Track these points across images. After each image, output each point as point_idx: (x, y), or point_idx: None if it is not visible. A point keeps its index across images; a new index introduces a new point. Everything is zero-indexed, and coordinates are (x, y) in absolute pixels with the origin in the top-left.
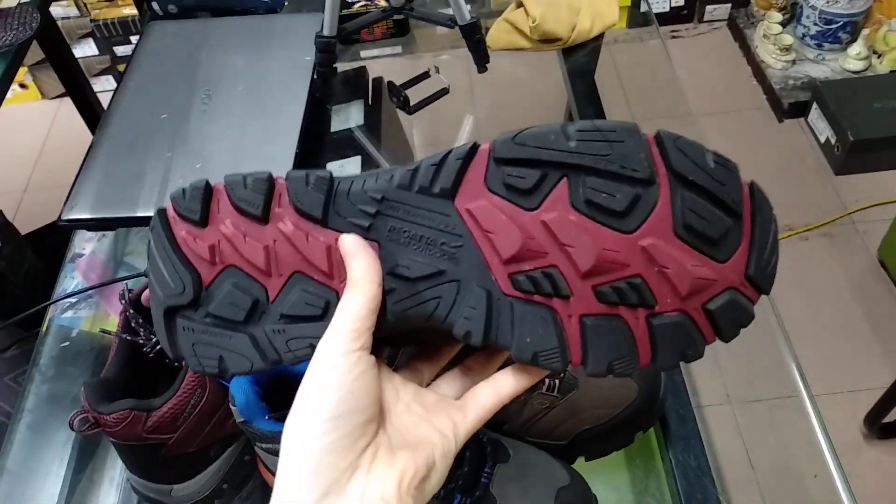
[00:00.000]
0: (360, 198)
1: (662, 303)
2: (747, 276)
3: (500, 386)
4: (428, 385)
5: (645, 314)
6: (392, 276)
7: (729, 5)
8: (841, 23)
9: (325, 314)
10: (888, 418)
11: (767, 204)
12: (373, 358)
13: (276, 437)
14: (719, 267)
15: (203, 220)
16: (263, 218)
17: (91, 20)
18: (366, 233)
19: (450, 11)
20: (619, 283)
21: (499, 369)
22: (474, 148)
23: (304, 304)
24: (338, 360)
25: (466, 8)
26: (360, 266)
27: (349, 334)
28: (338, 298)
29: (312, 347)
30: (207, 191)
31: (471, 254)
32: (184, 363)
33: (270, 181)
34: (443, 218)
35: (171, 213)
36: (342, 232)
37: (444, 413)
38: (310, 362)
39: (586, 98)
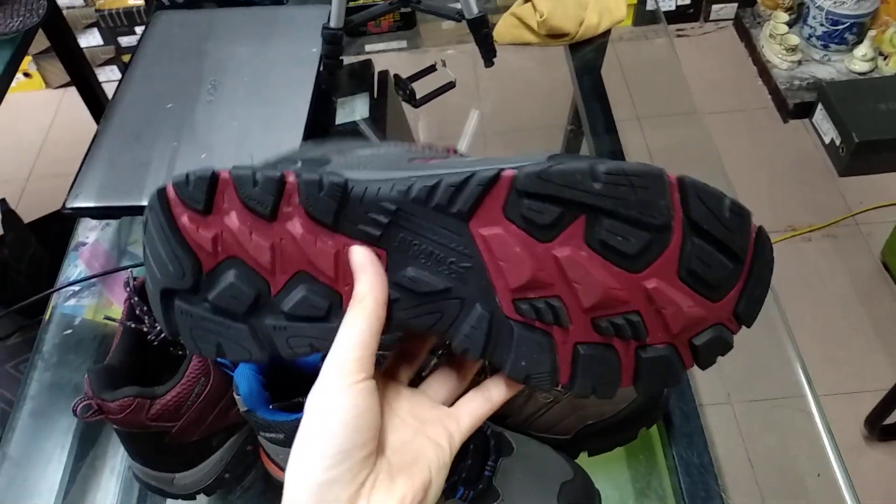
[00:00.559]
0: (374, 206)
1: (653, 337)
2: (735, 313)
3: (492, 394)
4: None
5: (635, 346)
6: (396, 287)
7: (735, 5)
8: (847, 24)
9: (327, 316)
10: (889, 420)
11: (769, 247)
12: (374, 383)
13: (279, 427)
14: (712, 306)
15: (207, 210)
16: (271, 217)
17: (96, 10)
18: (376, 241)
19: (457, 5)
20: (618, 317)
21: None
22: (497, 175)
23: (308, 305)
24: (343, 394)
25: (474, 2)
26: (367, 283)
27: (354, 363)
28: (341, 301)
29: (312, 347)
30: (213, 181)
31: (478, 276)
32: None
33: (282, 182)
34: (456, 237)
35: (171, 195)
36: (351, 237)
37: (439, 424)
38: (315, 389)
39: (593, 94)
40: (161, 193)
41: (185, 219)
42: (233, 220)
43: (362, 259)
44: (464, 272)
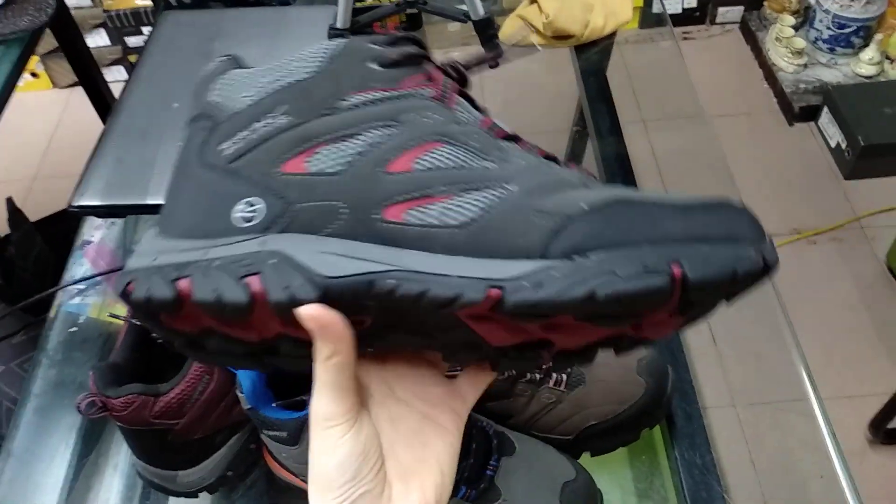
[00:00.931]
0: (352, 307)
1: (636, 338)
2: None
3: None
4: None
5: (616, 346)
6: (381, 341)
7: (742, 8)
8: (854, 27)
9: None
10: (893, 423)
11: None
12: (364, 416)
13: (282, 425)
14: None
15: (178, 313)
16: (246, 324)
17: (103, 10)
18: (358, 320)
19: (464, 7)
20: (603, 341)
21: None
22: (484, 298)
23: (296, 355)
24: (339, 446)
25: (480, 3)
26: (332, 346)
27: (338, 411)
28: None
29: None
30: (178, 305)
31: (467, 335)
32: None
33: (250, 305)
34: (443, 319)
35: (139, 299)
36: None
37: (444, 405)
38: (311, 438)
39: (598, 96)
40: (124, 292)
41: (160, 313)
42: (208, 320)
43: (314, 327)
44: (452, 335)
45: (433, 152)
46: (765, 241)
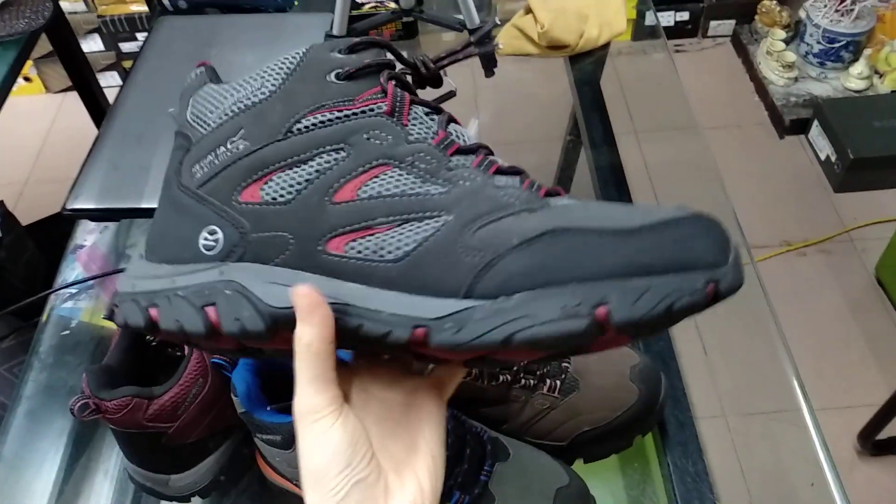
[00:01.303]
0: None
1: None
2: None
3: None
4: None
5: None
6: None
7: (733, 21)
8: (844, 42)
9: None
10: (882, 435)
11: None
12: (346, 408)
13: (276, 429)
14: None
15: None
16: (212, 343)
17: (98, 16)
18: None
19: (459, 16)
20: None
21: None
22: (410, 336)
23: (283, 354)
24: (326, 437)
25: (476, 12)
26: (313, 330)
27: (322, 402)
28: None
29: None
30: (150, 325)
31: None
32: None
33: (209, 332)
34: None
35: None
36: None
37: (424, 388)
38: (298, 434)
39: (592, 105)
40: (112, 318)
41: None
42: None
43: (303, 305)
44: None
45: (378, 178)
46: (724, 263)
